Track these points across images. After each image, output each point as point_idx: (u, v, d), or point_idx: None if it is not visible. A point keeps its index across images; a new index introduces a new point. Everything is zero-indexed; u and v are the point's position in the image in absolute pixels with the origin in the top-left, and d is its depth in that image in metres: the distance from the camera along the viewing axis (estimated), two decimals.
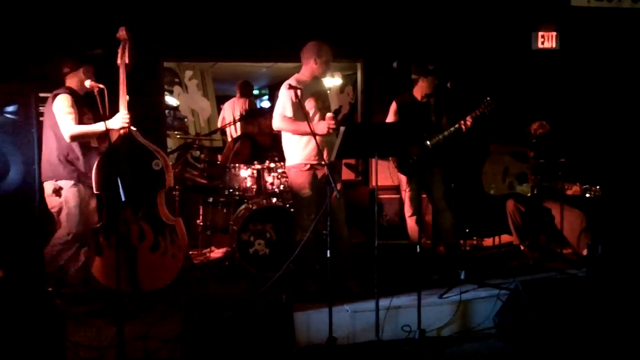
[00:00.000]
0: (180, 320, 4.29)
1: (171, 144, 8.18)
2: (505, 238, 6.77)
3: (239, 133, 7.75)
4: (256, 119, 7.12)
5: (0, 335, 4.03)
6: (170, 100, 9.44)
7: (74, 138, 4.75)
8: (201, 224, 6.48)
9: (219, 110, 10.09)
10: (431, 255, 5.80)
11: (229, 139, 7.84)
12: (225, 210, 6.40)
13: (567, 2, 7.31)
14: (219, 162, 7.21)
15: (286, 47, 6.39)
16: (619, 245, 5.73)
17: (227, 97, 9.65)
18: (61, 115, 4.73)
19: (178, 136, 8.86)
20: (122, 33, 4.86)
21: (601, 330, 4.44)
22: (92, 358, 4.25)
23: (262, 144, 6.77)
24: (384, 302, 4.59)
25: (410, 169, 5.63)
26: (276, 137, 6.92)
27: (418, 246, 4.71)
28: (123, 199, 4.09)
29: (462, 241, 5.98)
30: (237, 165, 6.25)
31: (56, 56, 5.16)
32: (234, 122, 8.00)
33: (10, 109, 4.49)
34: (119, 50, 4.85)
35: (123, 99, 4.78)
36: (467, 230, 6.31)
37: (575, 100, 7.23)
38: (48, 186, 4.79)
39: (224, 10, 6.69)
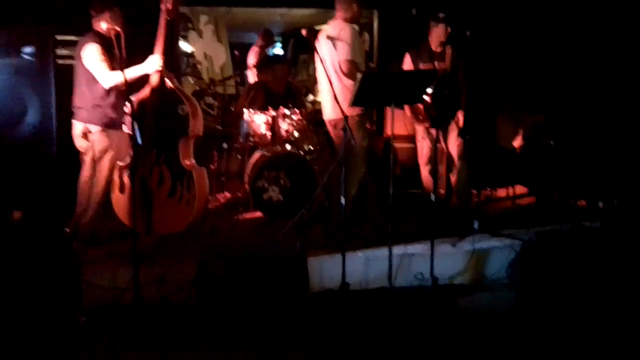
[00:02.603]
0: (195, 265, 4.35)
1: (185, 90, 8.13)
2: (520, 189, 6.76)
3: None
4: (270, 67, 7.04)
5: (18, 276, 4.12)
6: (184, 46, 9.35)
7: (112, 86, 4.74)
8: (215, 170, 6.49)
9: (233, 57, 10.01)
10: (445, 205, 5.80)
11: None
12: (239, 157, 6.40)
13: None
14: (233, 109, 7.18)
15: None
16: (634, 199, 5.72)
17: (241, 45, 9.56)
18: (94, 66, 4.70)
19: (192, 81, 8.81)
20: None
21: (614, 283, 4.46)
22: (109, 299, 4.32)
23: (276, 91, 6.72)
24: (397, 250, 4.60)
25: (428, 119, 5.59)
26: (290, 84, 6.91)
27: (432, 195, 4.71)
28: (139, 142, 4.12)
29: (475, 191, 5.98)
30: (251, 111, 6.22)
31: None
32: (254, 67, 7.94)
33: (28, 50, 4.48)
34: None
35: (159, 43, 4.78)
36: (481, 181, 6.29)
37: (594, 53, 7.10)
38: (79, 127, 4.80)
39: None
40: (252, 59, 8.44)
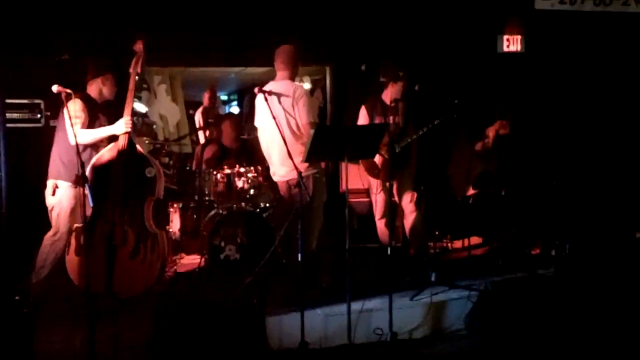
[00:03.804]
0: (151, 326, 4.26)
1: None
2: (475, 240, 6.84)
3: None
4: (222, 124, 7.09)
5: None
6: (138, 106, 9.34)
7: (78, 141, 4.68)
8: (171, 230, 6.43)
9: (189, 115, 10.04)
10: (402, 258, 5.83)
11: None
12: (195, 216, 6.36)
13: (532, 5, 7.42)
14: (188, 168, 7.17)
15: (256, 52, 6.39)
16: (586, 244, 5.84)
17: (197, 103, 9.61)
18: (69, 120, 4.70)
19: (147, 142, 8.77)
20: (139, 46, 5.06)
21: (569, 329, 4.52)
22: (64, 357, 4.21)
23: (230, 148, 6.73)
24: (355, 305, 4.59)
25: (382, 172, 5.67)
26: (244, 141, 6.93)
27: (389, 249, 4.73)
28: (91, 204, 4.08)
29: (431, 243, 6.03)
30: (206, 170, 6.22)
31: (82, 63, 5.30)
32: (201, 128, 8.02)
33: None
34: (133, 61, 5.03)
35: (129, 105, 4.91)
36: (436, 233, 6.36)
37: (539, 102, 7.34)
38: (49, 184, 4.90)
39: (193, 15, 6.64)
40: (198, 119, 8.54)
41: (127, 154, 4.85)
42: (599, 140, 7.27)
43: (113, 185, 4.78)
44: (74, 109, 4.80)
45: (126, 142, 4.86)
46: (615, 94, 7.48)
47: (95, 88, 5.07)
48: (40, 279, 4.84)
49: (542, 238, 6.41)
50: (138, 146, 4.95)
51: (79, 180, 4.76)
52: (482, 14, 7.37)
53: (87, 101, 4.94)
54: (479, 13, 7.35)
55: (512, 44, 7.58)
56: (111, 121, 4.95)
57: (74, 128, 4.67)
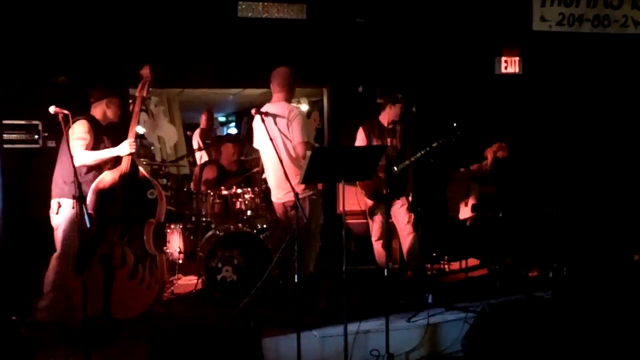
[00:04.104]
0: (148, 348, 4.23)
1: None
2: (472, 262, 6.83)
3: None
4: (220, 146, 7.11)
5: None
6: (137, 128, 9.38)
7: (82, 162, 4.84)
8: (169, 251, 6.41)
9: (186, 137, 10.08)
10: (399, 280, 5.82)
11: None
12: (192, 237, 6.35)
13: (529, 27, 7.48)
14: (186, 189, 7.17)
15: (254, 74, 6.44)
16: (583, 267, 5.83)
17: (194, 125, 9.65)
18: (73, 140, 4.81)
19: (145, 163, 8.80)
20: (146, 71, 5.11)
21: (567, 352, 4.50)
22: None
23: (228, 170, 6.76)
24: (352, 327, 4.55)
25: (379, 195, 5.67)
26: (242, 162, 6.95)
27: (385, 270, 4.73)
28: (88, 225, 4.06)
29: (428, 265, 6.02)
30: (204, 191, 6.22)
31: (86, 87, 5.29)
32: (199, 149, 8.06)
33: None
34: (140, 85, 5.10)
35: (133, 128, 4.97)
36: (434, 254, 6.35)
37: (537, 124, 7.38)
38: (53, 204, 4.90)
39: (192, 38, 6.69)
40: (195, 142, 8.58)
41: (130, 176, 4.87)
42: (597, 163, 7.29)
43: (114, 207, 4.79)
44: (79, 130, 4.86)
45: (129, 164, 4.88)
46: (614, 116, 7.51)
47: (100, 110, 5.11)
48: (48, 302, 4.82)
49: (540, 260, 6.40)
50: (141, 168, 4.99)
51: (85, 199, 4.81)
52: (480, 35, 7.42)
53: (92, 123, 4.99)
54: (476, 35, 7.41)
55: (510, 65, 7.63)
56: (115, 143, 4.98)
57: (75, 149, 4.75)
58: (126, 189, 4.84)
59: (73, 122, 4.80)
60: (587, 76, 7.55)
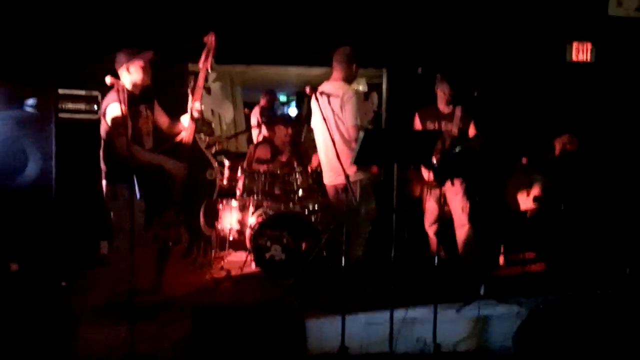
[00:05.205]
0: (190, 325, 4.24)
1: None
2: (529, 254, 6.60)
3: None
4: (275, 126, 7.06)
5: (8, 328, 4.04)
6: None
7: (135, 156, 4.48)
8: (220, 227, 6.42)
9: (246, 115, 10.07)
10: (450, 269, 5.66)
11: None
12: (243, 214, 6.34)
13: (604, 12, 7.13)
14: (240, 166, 7.16)
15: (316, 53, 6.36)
16: None
17: (253, 104, 9.63)
18: (114, 132, 4.46)
19: (202, 138, 8.85)
20: (211, 38, 4.79)
21: (626, 354, 4.28)
22: (102, 354, 4.18)
23: (282, 149, 6.72)
24: (398, 314, 4.47)
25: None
26: (296, 143, 6.89)
27: (436, 258, 4.58)
28: (138, 197, 4.05)
29: (484, 256, 5.86)
30: (255, 169, 6.20)
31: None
32: (255, 127, 8.10)
33: (30, 102, 4.50)
34: (203, 55, 4.79)
35: (198, 95, 4.73)
36: (490, 246, 6.17)
37: (608, 116, 7.06)
38: (106, 188, 4.65)
39: (255, 16, 6.63)
40: (253, 119, 8.55)
41: (190, 154, 4.73)
42: None
43: (177, 185, 4.67)
44: (117, 114, 4.34)
45: (191, 138, 4.73)
46: None
47: (126, 79, 4.57)
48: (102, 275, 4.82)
49: (601, 257, 6.13)
50: (201, 146, 4.84)
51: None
52: (551, 19, 7.11)
53: (126, 98, 4.13)
54: (547, 19, 7.10)
55: (581, 52, 7.30)
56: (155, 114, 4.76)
57: (121, 142, 4.36)
58: (187, 168, 4.71)
59: (105, 105, 4.50)
60: None
